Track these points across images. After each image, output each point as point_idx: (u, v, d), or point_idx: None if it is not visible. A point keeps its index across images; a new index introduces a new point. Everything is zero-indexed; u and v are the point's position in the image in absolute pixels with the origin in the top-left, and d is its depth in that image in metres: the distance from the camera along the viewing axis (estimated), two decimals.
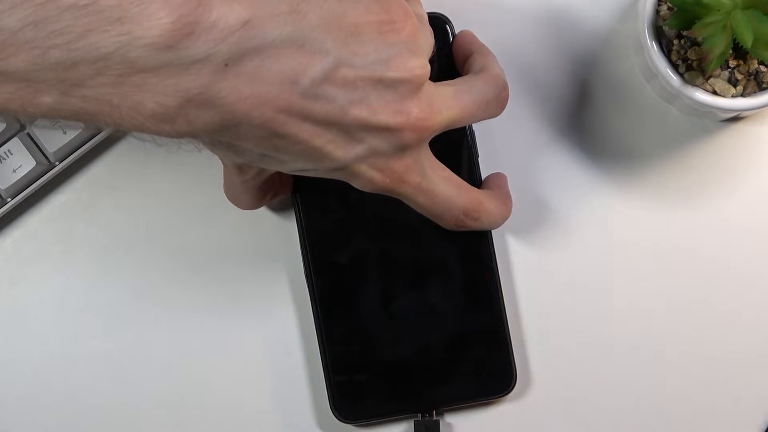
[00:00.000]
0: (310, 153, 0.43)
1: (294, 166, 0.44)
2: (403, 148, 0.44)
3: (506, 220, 0.52)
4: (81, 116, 0.39)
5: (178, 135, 0.40)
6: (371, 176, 0.45)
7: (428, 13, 0.51)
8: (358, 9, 0.42)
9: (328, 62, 0.41)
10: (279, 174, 0.52)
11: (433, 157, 0.48)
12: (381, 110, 0.43)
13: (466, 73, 0.51)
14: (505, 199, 0.53)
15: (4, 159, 0.54)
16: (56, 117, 0.39)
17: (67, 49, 0.37)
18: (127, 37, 0.37)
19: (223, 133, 0.41)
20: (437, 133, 0.46)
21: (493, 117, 0.49)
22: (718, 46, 0.48)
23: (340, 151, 0.43)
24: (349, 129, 0.42)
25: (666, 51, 0.51)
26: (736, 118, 0.56)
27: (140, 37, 0.37)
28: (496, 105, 0.49)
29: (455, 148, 0.54)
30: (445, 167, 0.48)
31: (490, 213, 0.51)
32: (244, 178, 0.49)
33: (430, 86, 0.45)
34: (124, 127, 0.39)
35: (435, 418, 0.55)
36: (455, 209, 0.49)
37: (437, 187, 0.48)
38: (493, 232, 0.55)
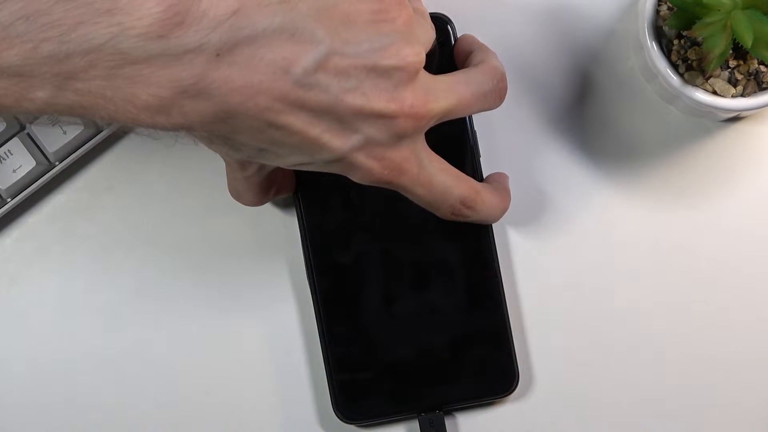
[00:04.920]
0: (306, 144, 0.43)
1: (292, 159, 0.44)
2: (399, 137, 0.44)
3: (504, 213, 0.52)
4: (76, 111, 0.39)
5: (174, 127, 0.40)
6: (369, 167, 0.45)
7: (430, 13, 0.51)
8: None
9: (320, 51, 0.41)
10: (282, 170, 0.52)
11: (429, 149, 0.48)
12: (375, 98, 0.43)
13: None
14: (503, 192, 0.53)
15: (4, 159, 0.54)
16: (51, 112, 0.39)
17: (59, 42, 0.37)
18: (117, 28, 0.38)
19: (219, 126, 0.41)
20: (433, 122, 0.46)
21: (491, 109, 0.49)
22: (718, 46, 0.48)
23: (337, 140, 0.43)
24: (344, 118, 0.42)
25: (666, 51, 0.51)
26: (736, 118, 0.56)
27: (131, 27, 0.38)
28: (494, 96, 0.49)
29: (457, 148, 0.54)
30: (442, 158, 0.48)
31: (486, 203, 0.51)
32: (246, 174, 0.49)
33: (426, 76, 0.45)
34: (120, 120, 0.39)
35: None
36: (452, 198, 0.49)
37: (435, 177, 0.48)
38: (494, 232, 0.55)
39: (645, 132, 0.56)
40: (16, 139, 0.54)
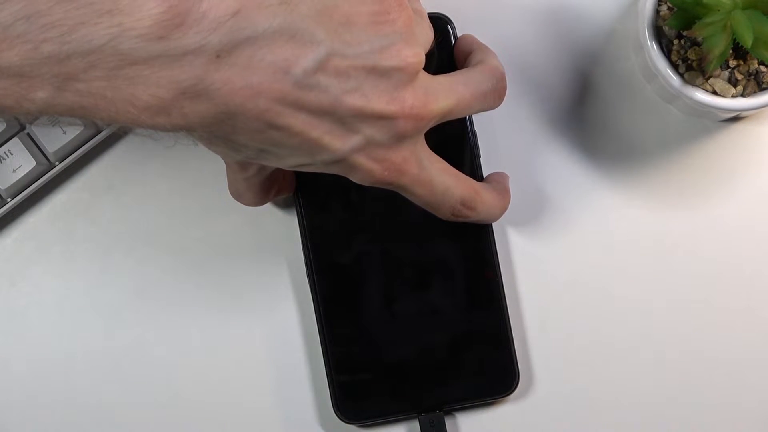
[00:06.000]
0: (307, 145, 0.43)
1: (292, 160, 0.44)
2: (399, 138, 0.44)
3: (503, 212, 0.52)
4: (76, 111, 0.39)
5: (174, 128, 0.40)
6: (369, 168, 0.45)
7: (430, 13, 0.51)
8: (351, 0, 0.42)
9: (320, 52, 0.41)
10: (282, 170, 0.52)
11: (429, 150, 0.48)
12: (375, 99, 0.43)
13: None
14: (503, 191, 0.53)
15: (4, 159, 0.54)
16: (51, 113, 0.39)
17: (60, 43, 0.37)
18: (118, 29, 0.37)
19: (219, 126, 0.41)
20: (433, 123, 0.46)
21: (491, 109, 0.49)
22: (718, 46, 0.48)
23: (337, 141, 0.43)
24: (344, 119, 0.42)
25: (666, 51, 0.51)
26: (736, 118, 0.56)
27: (131, 28, 0.38)
28: (493, 96, 0.49)
29: (457, 148, 0.54)
30: (441, 159, 0.48)
31: (486, 203, 0.51)
32: (246, 174, 0.49)
33: (426, 76, 0.45)
34: (120, 121, 0.39)
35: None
36: (452, 199, 0.49)
37: (435, 177, 0.48)
38: (495, 233, 0.55)
39: (645, 132, 0.56)
40: (16, 139, 0.54)
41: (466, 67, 0.50)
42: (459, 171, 0.49)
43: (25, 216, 0.57)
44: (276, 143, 0.42)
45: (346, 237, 0.54)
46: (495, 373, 0.55)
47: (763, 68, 0.50)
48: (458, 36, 0.54)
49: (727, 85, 0.50)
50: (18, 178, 0.54)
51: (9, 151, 0.54)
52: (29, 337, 0.57)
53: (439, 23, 0.53)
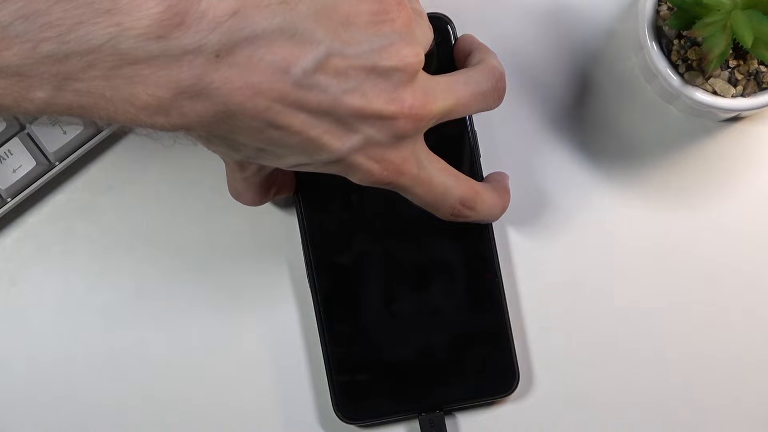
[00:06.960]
0: (306, 145, 0.43)
1: (291, 160, 0.44)
2: (398, 138, 0.44)
3: (503, 211, 0.52)
4: (75, 111, 0.39)
5: (173, 128, 0.40)
6: (368, 168, 0.45)
7: (430, 13, 0.51)
8: (350, 0, 0.42)
9: (319, 52, 0.41)
10: (282, 170, 0.52)
11: (428, 149, 0.48)
12: (375, 99, 0.43)
13: None
14: (502, 191, 0.53)
15: (4, 159, 0.54)
16: (51, 112, 0.39)
17: (59, 42, 0.37)
18: (117, 29, 0.38)
19: (218, 126, 0.41)
20: (433, 123, 0.46)
21: (491, 109, 0.49)
22: (718, 46, 0.48)
23: (336, 141, 0.43)
24: (343, 118, 0.42)
25: (666, 51, 0.51)
26: (736, 118, 0.56)
27: (130, 28, 0.38)
28: (492, 96, 0.49)
29: (457, 148, 0.54)
30: (441, 159, 0.48)
31: (485, 202, 0.51)
32: (245, 174, 0.49)
33: (425, 76, 0.45)
34: (119, 120, 0.39)
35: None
36: (452, 199, 0.49)
37: (434, 177, 0.48)
38: (495, 233, 0.55)
39: (645, 132, 0.56)
40: (16, 139, 0.54)
41: (466, 67, 0.50)
42: (459, 171, 0.49)
43: (25, 216, 0.57)
44: (275, 143, 0.42)
45: (346, 237, 0.54)
46: (495, 373, 0.55)
47: (763, 68, 0.50)
48: (458, 36, 0.54)
49: (727, 85, 0.50)
50: (18, 178, 0.54)
51: (9, 151, 0.54)
52: (29, 337, 0.57)
53: (439, 23, 0.53)
